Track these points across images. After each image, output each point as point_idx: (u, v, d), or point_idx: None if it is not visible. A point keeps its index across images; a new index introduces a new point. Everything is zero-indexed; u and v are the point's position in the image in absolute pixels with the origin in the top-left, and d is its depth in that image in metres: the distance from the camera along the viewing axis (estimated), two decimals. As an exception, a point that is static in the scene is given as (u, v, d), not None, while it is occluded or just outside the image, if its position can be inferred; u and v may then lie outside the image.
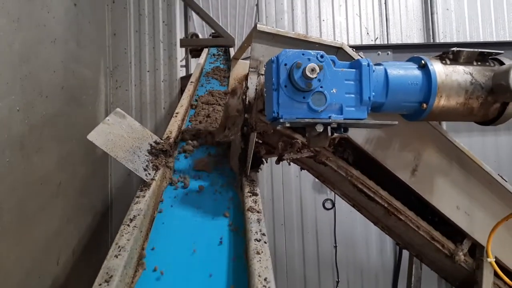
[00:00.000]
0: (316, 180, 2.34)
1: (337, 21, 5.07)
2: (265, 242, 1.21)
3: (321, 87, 1.44)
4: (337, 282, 5.04)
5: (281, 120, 1.40)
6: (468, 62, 1.66)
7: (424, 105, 1.61)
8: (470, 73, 1.62)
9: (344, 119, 1.47)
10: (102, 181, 3.97)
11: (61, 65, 2.96)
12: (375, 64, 1.64)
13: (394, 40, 5.09)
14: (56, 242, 2.81)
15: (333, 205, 4.97)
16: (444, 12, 5.19)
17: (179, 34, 4.46)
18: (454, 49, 1.64)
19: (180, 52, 5.05)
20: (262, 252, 1.16)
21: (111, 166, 4.12)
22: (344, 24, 5.07)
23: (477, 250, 2.10)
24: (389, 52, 4.16)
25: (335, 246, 5.00)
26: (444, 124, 4.53)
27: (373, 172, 2.07)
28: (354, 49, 1.83)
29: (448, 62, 1.64)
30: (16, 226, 2.31)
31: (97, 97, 3.85)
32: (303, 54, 1.43)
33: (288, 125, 1.41)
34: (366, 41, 5.03)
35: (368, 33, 5.10)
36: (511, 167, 4.72)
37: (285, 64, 1.42)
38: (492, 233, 1.84)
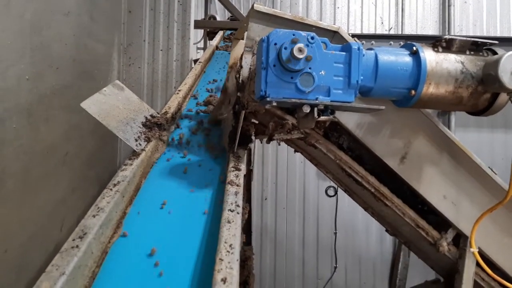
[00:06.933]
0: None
1: (352, 9, 5.02)
2: (238, 213, 1.26)
3: (309, 68, 1.46)
4: (335, 267, 5.09)
5: (268, 99, 1.42)
6: (460, 51, 1.65)
7: (413, 92, 1.62)
8: (461, 62, 1.62)
9: (331, 101, 1.49)
10: (110, 154, 4.07)
11: (73, 38, 3.03)
12: (367, 49, 1.66)
13: (409, 31, 5.01)
14: (60, 210, 2.90)
15: (336, 192, 5.00)
16: (461, 4, 5.07)
17: (195, 15, 4.48)
18: (447, 36, 1.63)
19: (195, 33, 5.08)
20: (233, 221, 1.21)
21: (120, 141, 4.20)
22: (359, 13, 5.01)
23: (461, 240, 2.11)
24: (402, 43, 4.10)
25: (335, 233, 5.03)
26: (453, 118, 4.49)
27: (368, 160, 2.09)
28: (350, 34, 1.84)
29: (440, 50, 1.64)
30: (20, 191, 2.40)
31: (110, 73, 3.92)
32: (293, 35, 1.45)
33: (275, 104, 1.44)
34: (380, 31, 4.97)
35: (382, 23, 5.03)
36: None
37: (275, 44, 1.44)
38: (476, 223, 1.85)
